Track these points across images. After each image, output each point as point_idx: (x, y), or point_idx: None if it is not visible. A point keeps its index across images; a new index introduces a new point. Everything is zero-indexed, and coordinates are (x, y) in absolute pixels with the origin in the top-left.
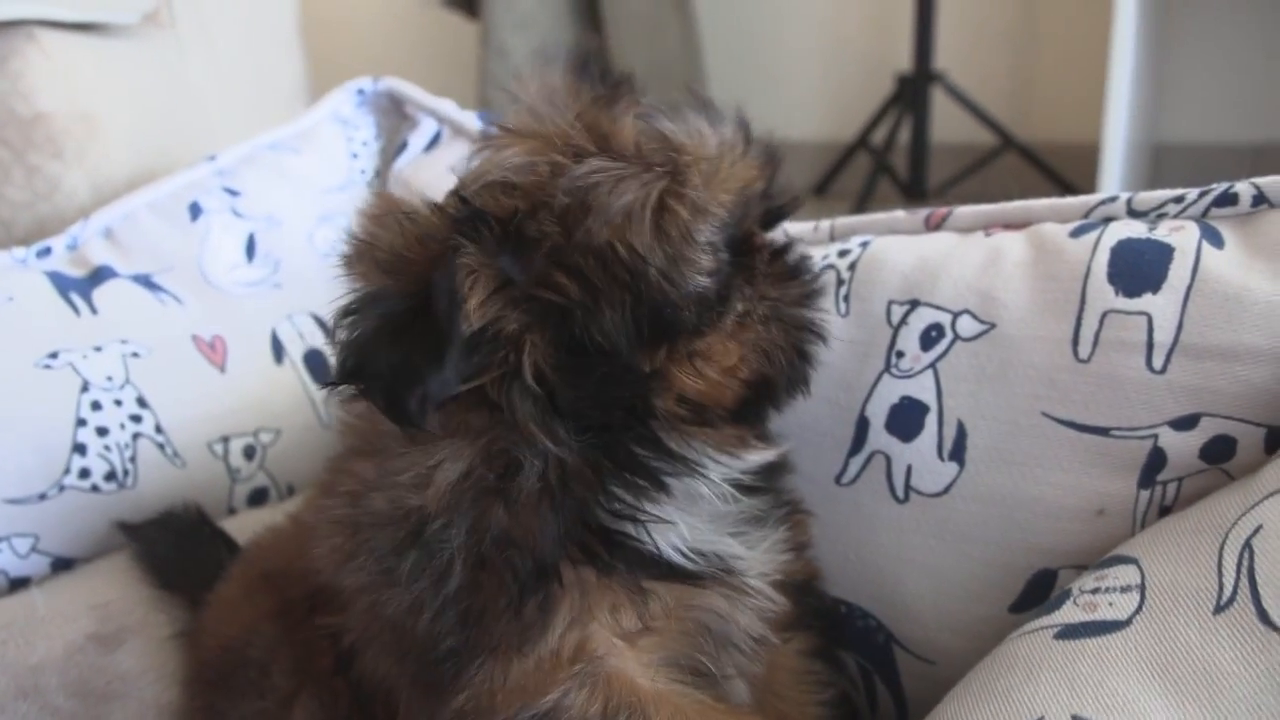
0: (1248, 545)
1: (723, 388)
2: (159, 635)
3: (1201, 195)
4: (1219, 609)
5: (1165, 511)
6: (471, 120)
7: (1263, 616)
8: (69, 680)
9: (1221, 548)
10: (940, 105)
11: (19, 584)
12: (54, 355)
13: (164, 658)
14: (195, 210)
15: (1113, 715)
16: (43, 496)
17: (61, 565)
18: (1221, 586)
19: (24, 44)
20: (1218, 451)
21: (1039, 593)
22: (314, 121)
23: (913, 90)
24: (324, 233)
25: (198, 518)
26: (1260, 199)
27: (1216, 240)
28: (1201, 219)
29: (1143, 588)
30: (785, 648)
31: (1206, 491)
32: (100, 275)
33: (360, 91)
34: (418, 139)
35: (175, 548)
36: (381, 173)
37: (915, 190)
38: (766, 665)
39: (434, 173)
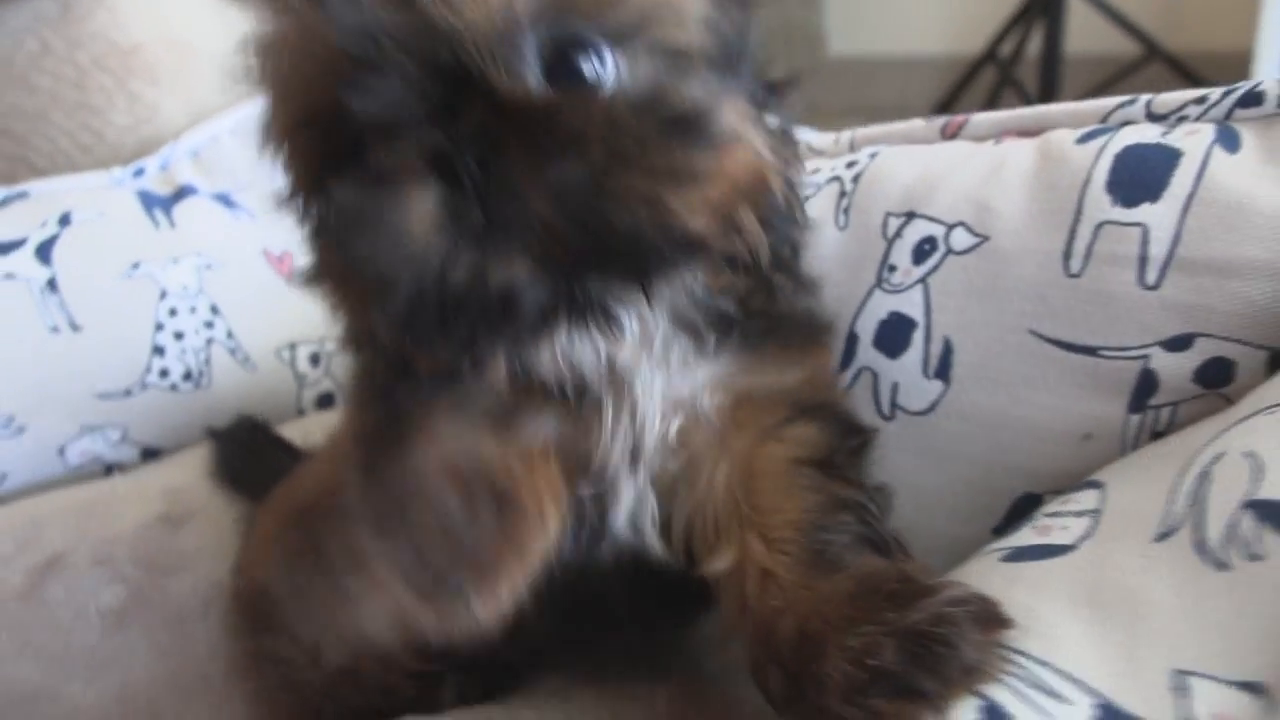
0: (1205, 472)
1: None
2: (219, 520)
3: (1226, 95)
4: (1161, 536)
5: (1157, 437)
6: None
7: (1199, 546)
8: (138, 553)
9: (1183, 474)
10: (1076, 12)
11: (112, 469)
12: (136, 266)
13: (220, 541)
14: None
15: (1027, 639)
16: (128, 393)
17: (149, 454)
18: (1168, 513)
19: None
20: (1214, 375)
21: (1021, 516)
22: None
23: None
24: None
25: (264, 428)
26: None
27: (1232, 143)
28: (1224, 121)
29: (1098, 513)
30: (767, 450)
31: (1205, 416)
32: (182, 193)
33: None
34: None
35: (244, 452)
36: None
37: None
38: (743, 470)
39: None
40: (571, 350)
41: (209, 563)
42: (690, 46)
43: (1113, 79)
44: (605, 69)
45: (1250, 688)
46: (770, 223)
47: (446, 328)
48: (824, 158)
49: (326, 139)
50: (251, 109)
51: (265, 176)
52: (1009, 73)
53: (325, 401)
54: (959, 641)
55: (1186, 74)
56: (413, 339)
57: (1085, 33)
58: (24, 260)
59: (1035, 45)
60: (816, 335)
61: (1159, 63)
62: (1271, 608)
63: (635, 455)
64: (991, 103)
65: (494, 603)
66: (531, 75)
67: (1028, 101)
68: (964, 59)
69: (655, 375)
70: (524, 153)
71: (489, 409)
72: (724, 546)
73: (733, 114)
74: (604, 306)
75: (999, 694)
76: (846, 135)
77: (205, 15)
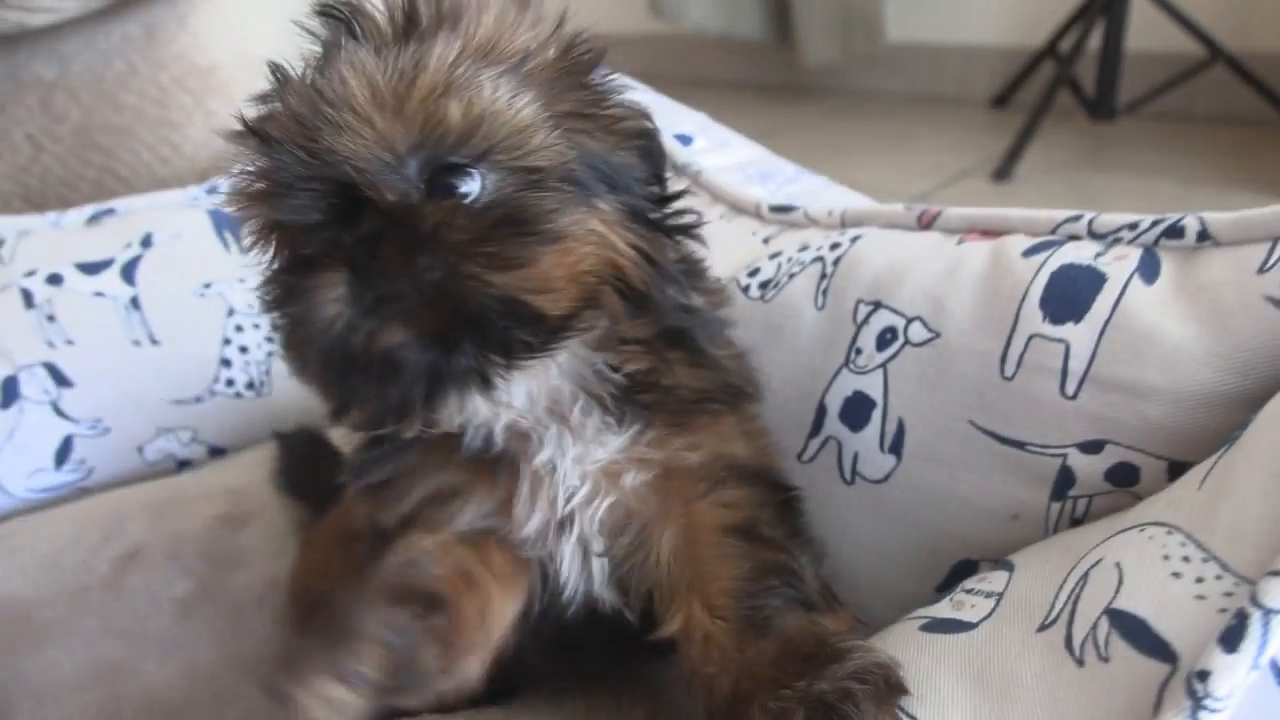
0: (1085, 575)
1: None
2: (274, 523)
3: (1154, 224)
4: (1042, 627)
5: (1076, 523)
6: None
7: (1066, 641)
8: (204, 550)
9: (1070, 571)
10: (1139, 9)
11: (184, 465)
12: (208, 285)
13: (275, 541)
14: None
15: (922, 706)
16: (198, 399)
17: (215, 452)
18: (1052, 607)
19: (201, 3)
20: (1122, 476)
21: (960, 578)
22: None
23: None
24: None
25: (322, 439)
26: (1204, 235)
27: (1152, 273)
28: (1151, 246)
29: (1001, 596)
30: (700, 518)
31: (1117, 509)
32: None
33: None
34: None
35: (301, 462)
36: None
37: (1103, 107)
38: (684, 537)
39: None
40: (469, 411)
41: (265, 561)
42: (539, 166)
43: (1174, 79)
44: (472, 183)
45: None
46: (649, 305)
47: (350, 381)
48: (818, 228)
49: (279, 240)
50: None
51: None
52: (1067, 69)
53: None
54: (856, 715)
55: (1248, 76)
56: (327, 389)
57: (1148, 30)
58: (112, 280)
59: (1096, 41)
60: (729, 403)
61: (1221, 64)
62: (1110, 703)
63: (566, 523)
64: (1048, 99)
65: (456, 679)
66: (413, 189)
67: (1083, 101)
68: (1024, 51)
69: (569, 445)
70: (398, 247)
71: (425, 498)
72: (675, 610)
73: (577, 216)
74: (480, 373)
75: None
76: (839, 211)
77: (276, 35)
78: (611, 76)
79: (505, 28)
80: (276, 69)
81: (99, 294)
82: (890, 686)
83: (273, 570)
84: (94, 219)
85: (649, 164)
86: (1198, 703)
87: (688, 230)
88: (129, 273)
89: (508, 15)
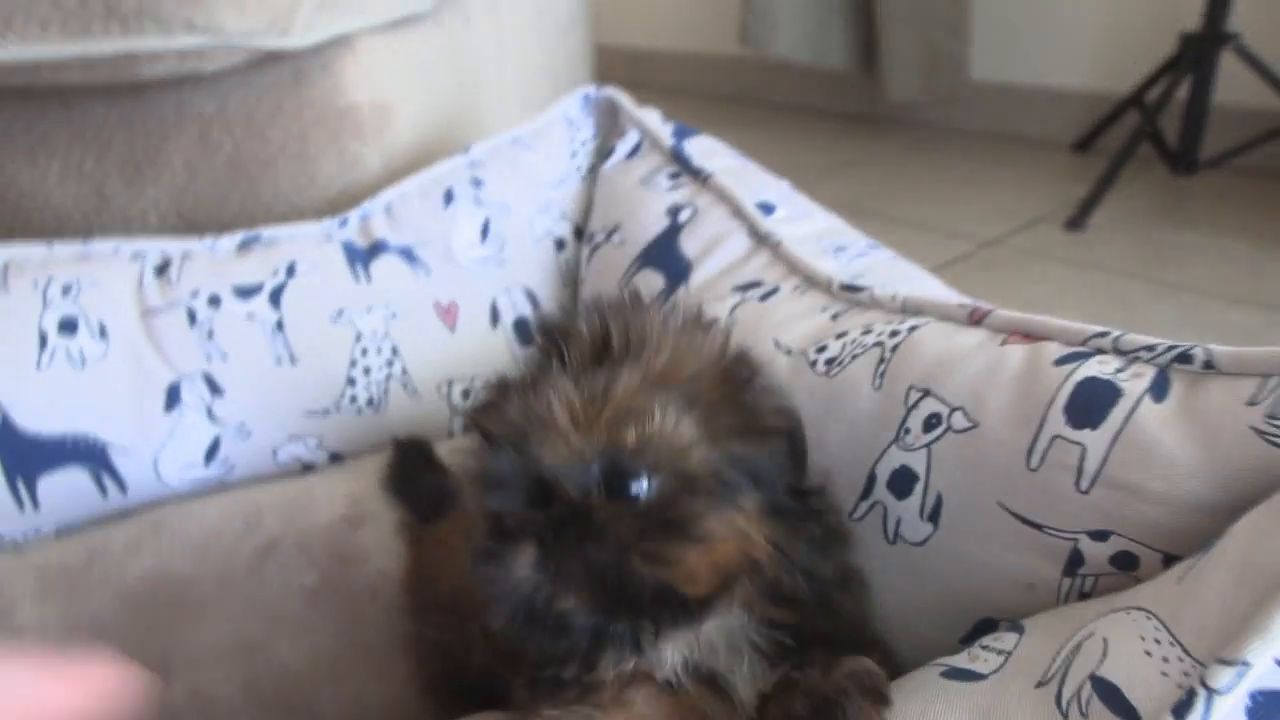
0: (1079, 644)
1: None
2: (386, 524)
3: (1168, 349)
4: (1039, 684)
5: (1084, 596)
6: (667, 134)
7: (1057, 699)
8: (328, 546)
9: (1068, 640)
10: (1228, 64)
11: (309, 467)
12: (340, 313)
13: (387, 540)
14: (449, 197)
15: None
16: (326, 412)
17: (335, 458)
18: (1050, 667)
19: (343, 52)
20: (1124, 562)
21: (981, 633)
22: (547, 121)
23: (1197, 51)
24: (541, 220)
25: (428, 448)
26: (1209, 364)
27: (1163, 392)
28: (1165, 367)
29: (1010, 654)
30: None
31: (1118, 588)
32: (376, 249)
33: (586, 97)
34: (623, 147)
35: (409, 470)
36: (594, 169)
37: (1185, 161)
38: None
39: (632, 179)
40: (622, 665)
41: (379, 558)
42: (695, 474)
43: (1259, 137)
44: (640, 485)
45: None
46: (782, 588)
47: (531, 631)
48: (881, 311)
49: (488, 513)
50: (432, 173)
51: (439, 235)
52: (1151, 120)
53: (468, 429)
54: (847, 704)
55: None
56: (513, 635)
57: (1236, 85)
58: (261, 304)
59: (1183, 93)
60: (860, 645)
61: None
62: None
63: None
64: (1130, 147)
65: None
66: (594, 489)
67: (1165, 153)
68: (1109, 97)
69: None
70: (576, 534)
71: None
72: None
73: (724, 517)
74: (634, 638)
75: None
76: (900, 297)
77: (404, 83)
78: (763, 384)
79: (680, 355)
80: (500, 381)
81: (250, 315)
82: (878, 692)
83: (384, 566)
84: (244, 245)
85: (791, 460)
86: None
87: (822, 517)
88: (276, 298)
89: (683, 342)
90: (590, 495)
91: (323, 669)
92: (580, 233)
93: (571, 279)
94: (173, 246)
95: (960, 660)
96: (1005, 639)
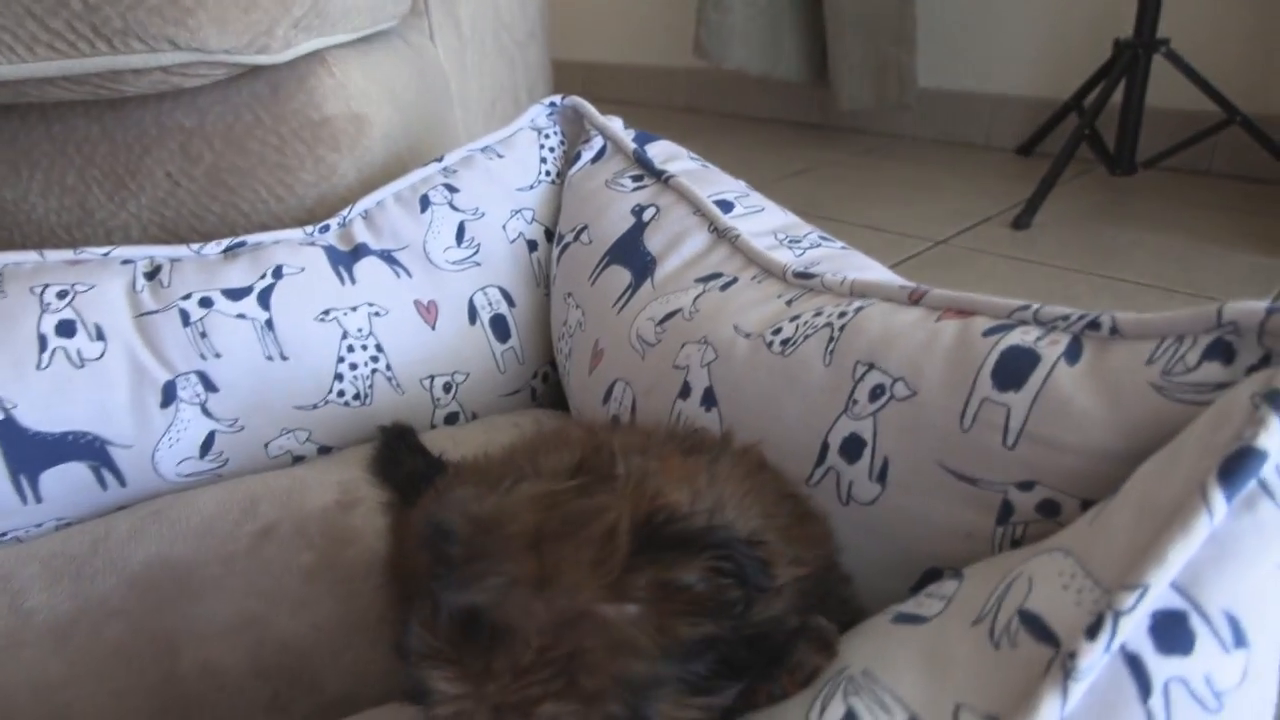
0: (1010, 584)
1: None
2: (376, 507)
3: (1080, 318)
4: (975, 622)
5: (1016, 544)
6: (629, 139)
7: (990, 632)
8: (322, 528)
9: (1000, 582)
10: (1161, 71)
11: (299, 459)
12: (326, 312)
13: (378, 522)
14: (425, 202)
15: (885, 671)
16: (315, 406)
17: (324, 450)
18: (984, 607)
19: (317, 66)
20: (1048, 509)
21: (928, 582)
22: (516, 129)
23: (1130, 57)
24: (514, 224)
25: (411, 433)
26: (1114, 330)
27: (1076, 355)
28: (1079, 334)
29: (950, 598)
30: None
31: (1044, 534)
32: (359, 252)
33: (552, 105)
34: (588, 152)
35: (393, 454)
36: (562, 174)
37: (1123, 162)
38: None
39: (597, 181)
40: None
41: (370, 539)
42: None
43: (1191, 138)
44: None
45: (992, 717)
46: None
47: None
48: (831, 295)
49: None
50: (409, 181)
51: (417, 239)
52: (1089, 123)
53: (451, 419)
54: (799, 654)
55: (1263, 137)
56: None
57: (1169, 90)
58: (251, 305)
59: (1119, 96)
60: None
61: (1237, 125)
62: (1013, 675)
63: None
64: (1070, 150)
65: None
66: None
67: (1104, 155)
68: (1050, 102)
69: None
70: None
71: None
72: None
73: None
74: None
75: (855, 702)
76: (849, 282)
77: (375, 96)
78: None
79: (559, 643)
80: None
81: (241, 315)
82: (828, 642)
83: (376, 546)
84: (230, 250)
85: (742, 593)
86: (1067, 674)
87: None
88: (264, 299)
89: (563, 630)
90: None
91: (323, 641)
92: (550, 234)
93: (544, 279)
94: (161, 252)
95: (908, 607)
96: (947, 586)
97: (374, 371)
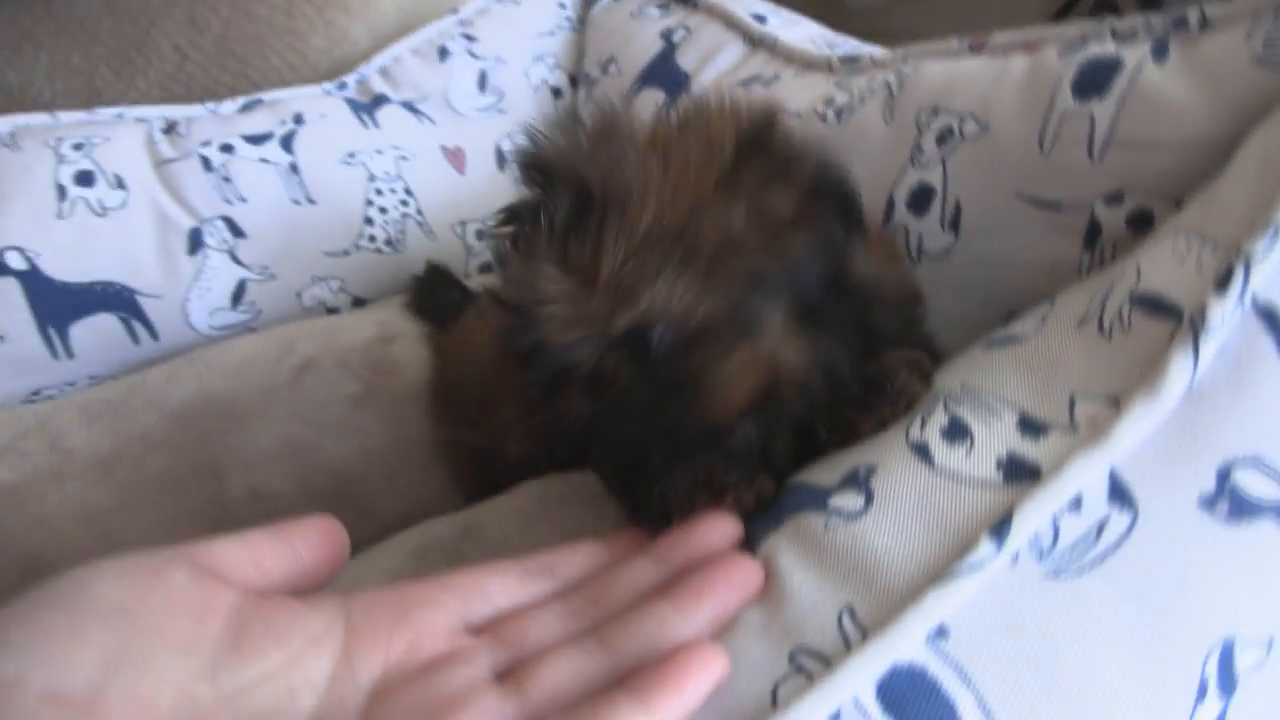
0: (1113, 283)
1: None
2: (418, 339)
3: (1163, 21)
4: (1080, 324)
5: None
6: None
7: (1099, 326)
8: (364, 359)
9: (1100, 285)
10: None
11: (333, 311)
12: (352, 155)
13: (420, 353)
14: (443, 53)
15: (986, 383)
16: (346, 253)
17: (359, 303)
18: (1087, 309)
19: None
20: (1139, 222)
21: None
22: None
23: None
24: (536, 70)
25: (446, 271)
26: (1204, 23)
27: (1163, 54)
28: (1162, 36)
29: (1046, 316)
30: None
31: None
32: (379, 101)
33: None
34: None
35: (431, 289)
36: (584, 19)
37: None
38: None
39: (622, 15)
40: None
41: (415, 368)
42: (705, 324)
43: None
44: (648, 346)
45: (1112, 401)
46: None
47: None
48: (882, 68)
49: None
50: (425, 34)
51: (438, 88)
52: None
53: (486, 268)
54: (896, 379)
55: None
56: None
57: None
58: (274, 149)
59: None
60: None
61: None
62: (1132, 357)
63: None
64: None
65: None
66: (605, 357)
67: None
68: None
69: None
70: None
71: None
72: None
73: (743, 355)
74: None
75: (959, 410)
76: (901, 51)
77: None
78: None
79: (671, 197)
80: (510, 210)
81: (264, 160)
82: (925, 370)
83: (420, 376)
84: (246, 107)
85: (843, 223)
86: (1196, 332)
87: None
88: (287, 143)
89: (673, 175)
90: (600, 364)
91: (373, 466)
92: (575, 81)
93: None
94: (176, 112)
95: (999, 334)
96: (1040, 309)
97: (404, 216)
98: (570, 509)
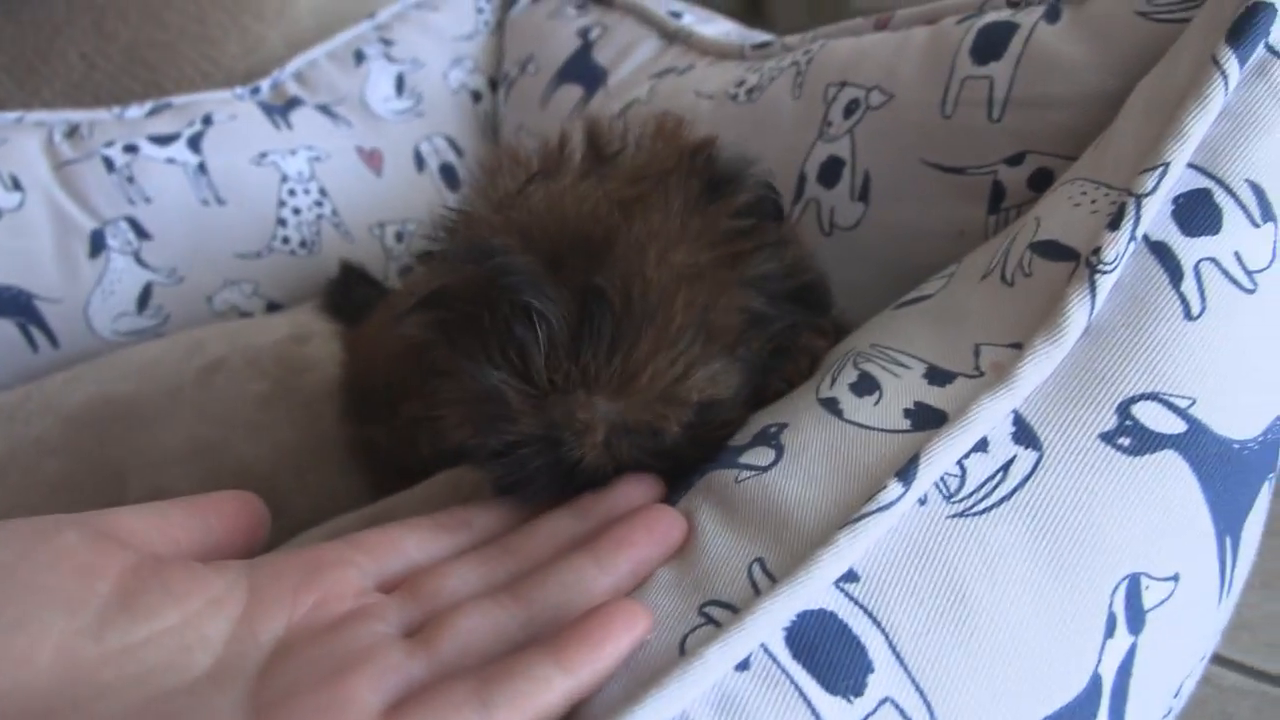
0: (1014, 235)
1: None
2: (331, 338)
3: None
4: (984, 276)
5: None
6: None
7: (1001, 276)
8: (275, 358)
9: (1002, 242)
10: None
11: (245, 315)
12: (263, 155)
13: (334, 352)
14: (359, 57)
15: (894, 339)
16: (259, 254)
17: (274, 307)
18: (989, 263)
19: None
20: (1041, 182)
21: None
22: None
23: None
24: (455, 73)
25: (360, 269)
26: None
27: (1056, 15)
28: (1053, 1)
29: (952, 274)
30: None
31: None
32: (293, 103)
33: None
34: None
35: (344, 288)
36: (501, 23)
37: None
38: None
39: (539, 16)
40: None
41: (328, 366)
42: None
43: None
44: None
45: (1015, 345)
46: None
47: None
48: (792, 51)
49: None
50: (341, 38)
51: (354, 91)
52: None
53: (405, 273)
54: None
55: None
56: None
57: None
58: (180, 149)
59: None
60: None
61: None
62: (1032, 303)
63: None
64: None
65: None
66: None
67: None
68: None
69: None
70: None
71: None
72: None
73: (738, 395)
74: None
75: (867, 367)
76: (810, 34)
77: None
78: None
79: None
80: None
81: (170, 160)
82: (823, 329)
83: (333, 373)
84: (154, 111)
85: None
86: (1093, 269)
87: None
88: (195, 143)
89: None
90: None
91: (285, 465)
92: (494, 84)
93: (492, 130)
94: (79, 115)
95: (908, 296)
96: (948, 269)
97: (319, 218)
98: (484, 498)
